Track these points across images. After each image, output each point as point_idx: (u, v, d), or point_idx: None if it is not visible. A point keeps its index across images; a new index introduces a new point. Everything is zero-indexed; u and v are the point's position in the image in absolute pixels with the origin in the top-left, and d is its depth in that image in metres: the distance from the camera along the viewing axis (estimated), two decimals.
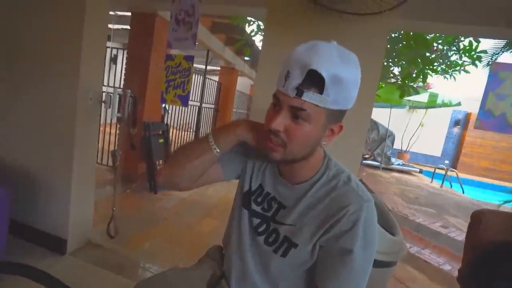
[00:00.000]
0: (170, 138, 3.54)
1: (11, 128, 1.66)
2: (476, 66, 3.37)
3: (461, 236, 2.71)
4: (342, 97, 0.53)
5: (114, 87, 3.26)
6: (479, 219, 1.01)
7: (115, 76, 3.51)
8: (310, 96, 0.51)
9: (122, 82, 3.17)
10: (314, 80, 0.50)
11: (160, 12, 2.85)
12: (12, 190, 1.38)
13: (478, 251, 0.92)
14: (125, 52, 3.20)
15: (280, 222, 0.66)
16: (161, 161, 3.12)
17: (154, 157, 2.99)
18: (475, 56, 3.28)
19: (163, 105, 3.89)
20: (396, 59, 3.70)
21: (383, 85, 4.93)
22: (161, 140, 3.19)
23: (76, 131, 1.50)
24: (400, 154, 8.41)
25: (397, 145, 8.11)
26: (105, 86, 2.99)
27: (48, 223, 1.63)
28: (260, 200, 0.71)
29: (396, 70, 4.19)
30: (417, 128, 8.48)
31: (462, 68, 3.70)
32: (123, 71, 3.11)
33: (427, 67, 3.35)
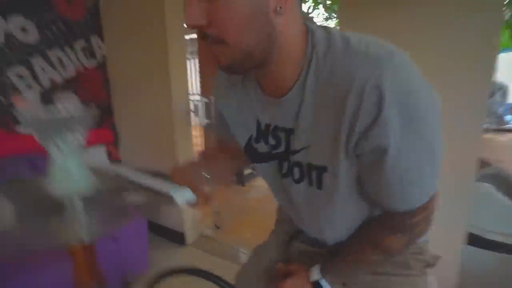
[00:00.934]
0: None
1: (137, 148, 2.04)
2: None
3: None
4: None
5: (200, 95, 3.60)
6: None
7: (191, 82, 3.87)
8: None
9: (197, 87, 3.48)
10: None
11: None
12: None
13: None
14: (195, 60, 3.48)
15: (296, 150, 0.49)
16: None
17: None
18: None
19: None
20: None
21: None
22: None
23: (176, 138, 1.74)
24: None
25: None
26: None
27: (170, 220, 1.95)
28: (264, 137, 0.54)
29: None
30: None
31: None
32: (196, 78, 3.40)
33: None
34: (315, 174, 0.48)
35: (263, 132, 0.54)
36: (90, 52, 1.87)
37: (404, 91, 0.37)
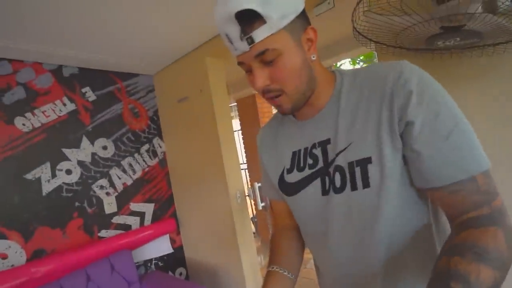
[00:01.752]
0: None
1: (198, 234, 2.15)
2: None
3: None
4: (284, 6, 0.46)
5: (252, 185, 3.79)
6: None
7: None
8: (259, 34, 0.45)
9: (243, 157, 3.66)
10: (248, 18, 0.45)
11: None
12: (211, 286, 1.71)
13: None
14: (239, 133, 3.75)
15: (335, 155, 0.52)
16: None
17: None
18: None
19: None
20: None
21: None
22: None
23: (235, 223, 1.79)
24: None
25: None
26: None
27: None
28: (302, 163, 0.58)
29: None
30: None
31: None
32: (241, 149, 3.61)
33: None
34: (359, 171, 0.49)
35: (298, 159, 0.59)
36: (153, 152, 2.15)
37: (422, 75, 0.47)
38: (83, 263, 1.59)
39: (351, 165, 0.50)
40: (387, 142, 0.46)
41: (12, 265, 1.44)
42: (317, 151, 0.55)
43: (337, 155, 0.52)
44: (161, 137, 2.22)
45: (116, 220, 1.87)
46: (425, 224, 0.51)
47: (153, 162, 2.15)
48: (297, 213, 0.62)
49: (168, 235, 2.13)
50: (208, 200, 1.95)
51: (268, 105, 3.46)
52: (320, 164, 0.55)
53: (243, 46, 0.47)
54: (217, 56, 1.82)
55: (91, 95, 1.85)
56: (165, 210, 2.18)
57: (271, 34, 0.45)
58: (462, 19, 0.65)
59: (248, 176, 3.65)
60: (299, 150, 0.59)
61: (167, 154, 2.23)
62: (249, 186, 3.19)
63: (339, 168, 0.51)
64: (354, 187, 0.50)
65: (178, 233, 2.24)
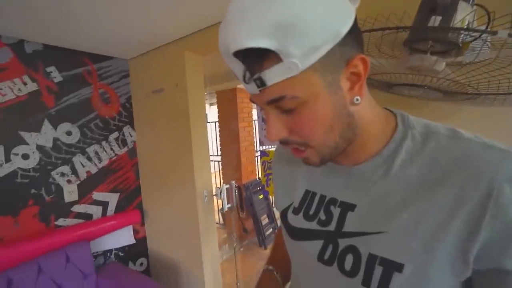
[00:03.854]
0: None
1: (162, 227, 2.13)
2: None
3: None
4: (317, 34, 0.30)
5: (221, 183, 3.76)
6: None
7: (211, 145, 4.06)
8: (271, 75, 0.32)
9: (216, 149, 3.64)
10: (256, 54, 0.31)
11: (239, 86, 3.22)
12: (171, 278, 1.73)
13: None
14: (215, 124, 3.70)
15: (353, 232, 0.40)
16: (265, 216, 3.33)
17: (258, 214, 3.22)
18: None
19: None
20: None
21: None
22: (261, 197, 3.41)
23: (200, 222, 1.80)
24: None
25: None
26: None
27: None
28: (313, 211, 0.46)
29: None
30: None
31: None
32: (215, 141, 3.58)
33: None
34: (380, 272, 0.36)
35: (313, 204, 0.47)
36: (122, 141, 2.07)
37: None
38: (36, 254, 1.53)
39: (370, 258, 0.37)
40: (443, 260, 0.33)
41: None
42: (335, 210, 0.43)
43: (356, 234, 0.39)
44: (132, 126, 2.14)
45: (77, 209, 1.80)
46: None
47: (122, 151, 2.07)
48: (291, 258, 0.54)
49: (131, 226, 2.10)
50: (176, 195, 1.93)
51: (248, 101, 3.43)
52: (332, 227, 0.43)
53: (252, 88, 0.35)
54: (197, 52, 1.75)
55: (56, 76, 1.72)
56: (131, 201, 2.13)
57: (290, 77, 0.32)
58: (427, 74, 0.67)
59: (220, 170, 3.64)
60: (315, 194, 0.48)
61: (137, 144, 2.16)
62: (221, 181, 3.18)
63: (354, 251, 0.39)
64: (366, 284, 0.37)
65: (143, 224, 2.21)
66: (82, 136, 1.83)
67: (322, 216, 0.45)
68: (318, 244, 0.44)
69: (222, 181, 3.67)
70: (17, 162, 1.55)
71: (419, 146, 0.38)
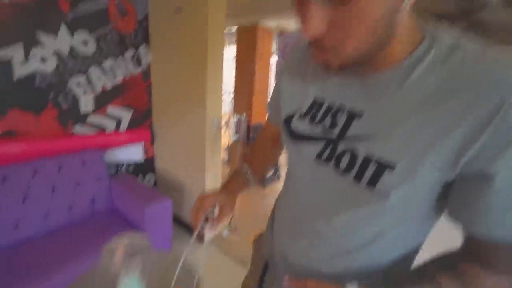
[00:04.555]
0: None
1: (170, 149, 2.25)
2: None
3: None
4: None
5: (231, 114, 3.74)
6: None
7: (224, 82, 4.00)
8: None
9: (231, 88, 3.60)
10: None
11: (260, 23, 3.02)
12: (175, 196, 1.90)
13: None
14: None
15: (355, 136, 0.41)
16: None
17: None
18: None
19: None
20: None
21: None
22: None
23: (206, 149, 1.90)
24: None
25: None
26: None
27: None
28: (319, 118, 0.47)
29: None
30: None
31: None
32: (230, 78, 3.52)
33: None
34: (374, 169, 0.38)
35: (317, 110, 0.48)
36: (137, 61, 2.06)
37: None
38: (55, 152, 1.67)
39: (368, 157, 0.39)
40: (437, 163, 0.34)
41: None
42: (341, 117, 0.44)
43: (359, 137, 0.41)
44: (148, 46, 2.10)
45: (91, 120, 1.90)
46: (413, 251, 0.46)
47: (136, 71, 2.07)
48: (289, 159, 0.57)
49: (142, 143, 2.23)
50: (186, 120, 1.99)
51: (270, 41, 3.25)
52: (335, 133, 0.44)
53: None
54: None
55: None
56: (142, 121, 2.21)
57: None
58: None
59: (233, 106, 3.66)
60: (322, 103, 0.48)
61: (152, 66, 2.14)
62: (232, 115, 3.21)
63: (353, 152, 0.41)
64: (358, 178, 0.40)
65: (152, 144, 2.34)
66: (98, 48, 1.82)
67: (327, 122, 0.46)
68: (319, 145, 0.46)
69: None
70: (36, 64, 1.59)
71: (443, 57, 0.36)
